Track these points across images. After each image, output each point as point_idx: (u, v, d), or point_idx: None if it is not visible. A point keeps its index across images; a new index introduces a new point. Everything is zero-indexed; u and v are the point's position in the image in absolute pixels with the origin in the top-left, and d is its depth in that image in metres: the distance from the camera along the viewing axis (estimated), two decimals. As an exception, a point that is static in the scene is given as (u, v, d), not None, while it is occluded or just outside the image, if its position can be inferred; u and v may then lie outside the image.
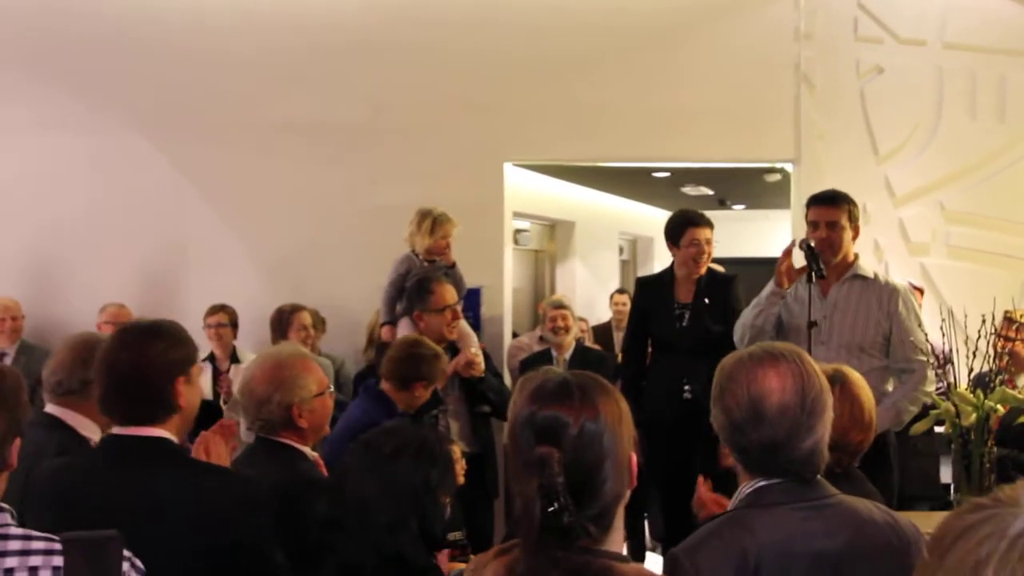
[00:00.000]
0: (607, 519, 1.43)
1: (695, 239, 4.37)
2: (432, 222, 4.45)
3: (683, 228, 4.42)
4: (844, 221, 3.73)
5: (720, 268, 4.68)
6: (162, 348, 2.06)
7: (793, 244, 3.81)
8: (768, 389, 1.68)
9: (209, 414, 4.02)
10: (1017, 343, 3.71)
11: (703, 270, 4.44)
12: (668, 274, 4.56)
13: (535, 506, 1.34)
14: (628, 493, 1.47)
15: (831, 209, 3.76)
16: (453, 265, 4.53)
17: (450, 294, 4.15)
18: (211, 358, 4.99)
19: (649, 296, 4.60)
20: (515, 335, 6.26)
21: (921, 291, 4.81)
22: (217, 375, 4.98)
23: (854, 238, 3.81)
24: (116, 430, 2.08)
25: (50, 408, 2.62)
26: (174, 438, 2.07)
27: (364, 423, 2.97)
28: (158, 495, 1.96)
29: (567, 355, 5.14)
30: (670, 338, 4.41)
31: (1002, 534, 0.74)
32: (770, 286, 3.73)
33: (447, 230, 4.47)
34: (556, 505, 1.33)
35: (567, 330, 5.16)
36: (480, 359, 4.12)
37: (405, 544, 2.05)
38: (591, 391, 1.45)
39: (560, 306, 5.26)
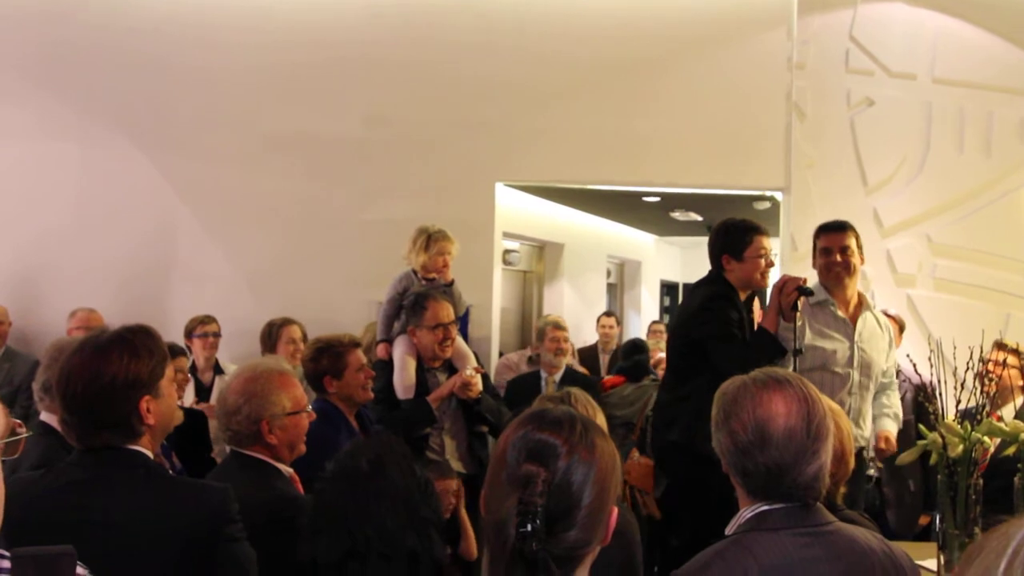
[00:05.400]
0: (572, 564, 1.37)
1: (763, 248, 3.90)
2: (427, 239, 4.37)
3: (750, 235, 3.89)
4: (854, 245, 3.90)
5: None
6: (120, 367, 1.95)
7: (783, 281, 3.73)
8: (774, 413, 1.69)
9: (194, 425, 4.00)
10: (1006, 369, 3.73)
11: (767, 285, 3.96)
12: (729, 288, 3.93)
13: (510, 524, 1.31)
14: (598, 548, 1.41)
15: (842, 235, 3.91)
16: (451, 283, 4.45)
17: (445, 312, 4.08)
18: (192, 369, 4.94)
19: (735, 310, 3.86)
20: (500, 355, 6.25)
21: (900, 325, 4.81)
22: (199, 386, 4.93)
23: (861, 263, 3.96)
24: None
25: (44, 416, 2.63)
26: (147, 451, 2.00)
27: None
28: (130, 510, 1.91)
29: (557, 377, 5.09)
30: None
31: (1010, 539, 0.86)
32: (781, 324, 3.71)
33: (443, 247, 4.38)
34: (530, 527, 1.30)
35: (565, 353, 5.12)
36: (477, 380, 4.03)
37: (435, 542, 2.05)
38: (592, 431, 1.42)
39: (560, 327, 5.20)
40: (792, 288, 3.66)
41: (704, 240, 4.49)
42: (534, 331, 6.57)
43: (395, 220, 5.36)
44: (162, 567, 1.88)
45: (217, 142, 5.65)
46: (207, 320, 5.03)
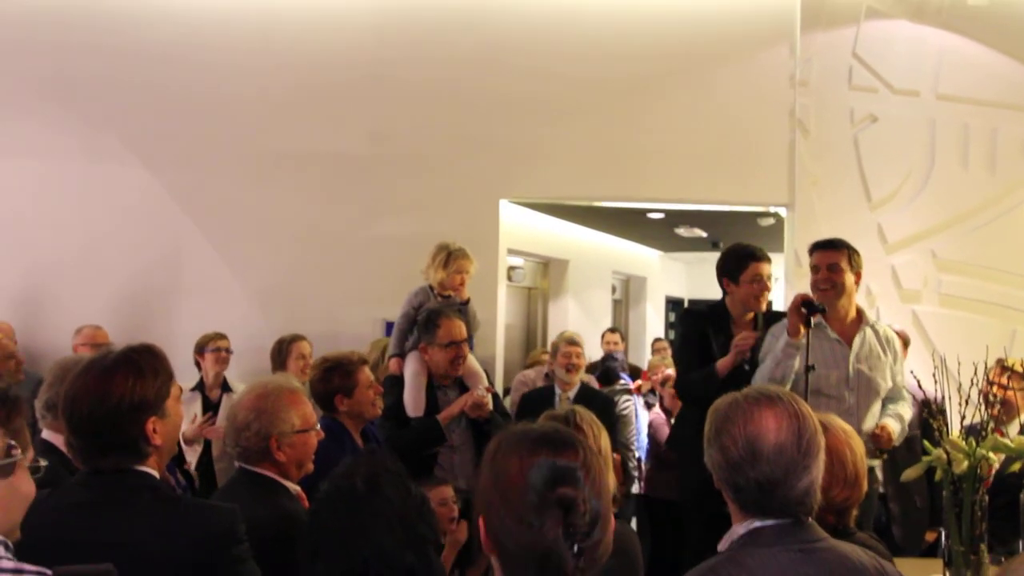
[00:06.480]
0: None
1: (758, 275, 4.11)
2: (447, 255, 4.39)
3: (745, 262, 4.13)
4: (844, 264, 3.87)
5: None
6: (126, 389, 1.94)
7: (798, 298, 3.76)
8: (765, 429, 1.71)
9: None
10: (1009, 391, 3.73)
11: (763, 308, 4.21)
12: (723, 310, 4.22)
13: (561, 547, 1.33)
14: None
15: (830, 252, 3.90)
16: (467, 302, 4.46)
17: (458, 330, 4.08)
18: (200, 386, 4.94)
19: (707, 330, 4.15)
20: (505, 371, 6.24)
21: (905, 341, 4.80)
22: (207, 402, 4.92)
23: (856, 282, 3.93)
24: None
25: (46, 434, 2.62)
26: (154, 472, 2.00)
27: None
28: (138, 532, 1.90)
29: (571, 394, 5.06)
30: (734, 384, 4.10)
31: None
32: (784, 338, 3.72)
33: (462, 265, 4.40)
34: (577, 548, 1.33)
35: (578, 369, 5.09)
36: (488, 400, 4.04)
37: (433, 560, 2.04)
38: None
39: (574, 343, 5.18)
40: (798, 304, 3.67)
41: (708, 256, 4.56)
42: (549, 347, 6.60)
43: (400, 237, 5.40)
44: None
45: (224, 160, 5.68)
46: (220, 336, 5.04)
